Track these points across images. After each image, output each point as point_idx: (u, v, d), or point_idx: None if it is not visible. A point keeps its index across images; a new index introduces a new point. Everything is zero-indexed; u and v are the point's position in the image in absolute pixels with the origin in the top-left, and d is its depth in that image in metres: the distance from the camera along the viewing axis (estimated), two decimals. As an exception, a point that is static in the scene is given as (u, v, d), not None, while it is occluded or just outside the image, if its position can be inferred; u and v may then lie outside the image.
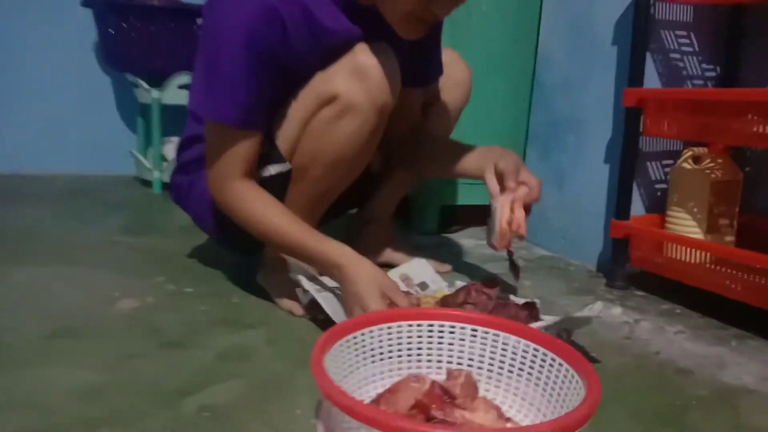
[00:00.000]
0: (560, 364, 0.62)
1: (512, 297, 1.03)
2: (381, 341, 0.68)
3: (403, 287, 1.00)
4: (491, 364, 0.69)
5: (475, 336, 0.69)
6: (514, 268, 1.10)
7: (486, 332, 0.69)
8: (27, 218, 1.57)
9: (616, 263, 1.26)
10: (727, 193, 1.19)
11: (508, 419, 0.63)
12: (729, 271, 1.06)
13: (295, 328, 0.95)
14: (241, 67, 0.86)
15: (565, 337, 0.88)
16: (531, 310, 0.89)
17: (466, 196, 1.63)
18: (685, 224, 1.19)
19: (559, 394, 0.61)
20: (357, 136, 0.94)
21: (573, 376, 0.59)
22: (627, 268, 1.25)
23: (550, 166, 1.51)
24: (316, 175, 0.98)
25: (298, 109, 0.95)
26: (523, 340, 0.66)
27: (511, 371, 0.68)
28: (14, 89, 2.16)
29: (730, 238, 1.20)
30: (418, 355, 0.70)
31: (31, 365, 0.78)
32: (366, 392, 0.67)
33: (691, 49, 1.34)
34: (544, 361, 0.64)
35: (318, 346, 0.58)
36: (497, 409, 0.63)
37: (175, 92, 2.01)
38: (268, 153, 0.96)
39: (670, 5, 1.30)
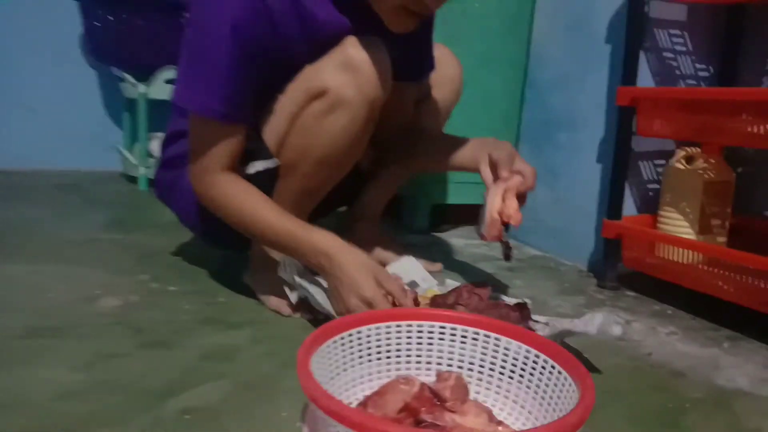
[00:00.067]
0: (553, 367, 0.60)
1: (503, 297, 1.01)
2: (369, 342, 0.66)
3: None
4: (482, 366, 0.67)
5: (465, 337, 0.68)
6: (507, 254, 1.07)
7: (477, 333, 0.67)
8: (9, 214, 1.54)
9: (607, 263, 1.25)
10: (719, 193, 1.18)
11: (500, 423, 0.62)
12: (721, 272, 1.05)
13: (281, 328, 0.93)
14: (227, 59, 0.83)
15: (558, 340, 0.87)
16: (522, 311, 0.88)
17: (456, 195, 1.62)
18: (678, 224, 1.19)
19: (551, 398, 0.60)
20: (347, 132, 0.92)
21: (566, 379, 0.57)
22: (619, 268, 1.24)
23: (542, 165, 1.50)
24: (305, 171, 0.96)
25: (286, 103, 0.93)
26: (515, 342, 0.65)
27: (502, 373, 0.66)
28: (-3, 83, 2.12)
29: (722, 239, 1.20)
30: (408, 356, 0.69)
31: (7, 365, 0.76)
32: (354, 394, 0.65)
33: (684, 49, 1.33)
34: (536, 363, 0.62)
35: (304, 347, 0.56)
36: (488, 412, 0.62)
37: (162, 87, 1.98)
38: (254, 149, 0.94)
39: (665, 4, 1.29)
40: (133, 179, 2.08)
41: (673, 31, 1.31)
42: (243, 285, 1.05)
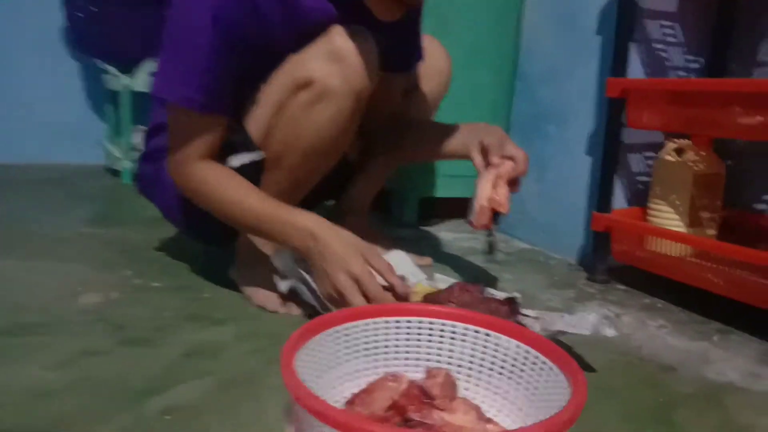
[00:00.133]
0: (544, 362, 0.59)
1: (492, 291, 1.00)
2: (357, 338, 0.65)
3: (381, 281, 0.97)
4: (471, 362, 0.66)
5: (455, 333, 0.66)
6: (491, 247, 1.06)
7: (466, 329, 0.66)
8: (-12, 208, 1.50)
9: (597, 257, 1.24)
10: (709, 186, 1.17)
11: (489, 420, 0.60)
12: (711, 265, 1.05)
13: (267, 324, 0.91)
14: (207, 48, 0.81)
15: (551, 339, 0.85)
16: (511, 305, 0.87)
17: (445, 189, 1.61)
18: (668, 217, 1.18)
19: (542, 394, 0.58)
20: (333, 122, 0.90)
21: (558, 375, 0.56)
22: (608, 261, 1.23)
23: (532, 157, 1.45)
24: (291, 162, 0.94)
25: (270, 93, 0.90)
26: (504, 337, 0.63)
27: (491, 369, 0.65)
28: (-23, 75, 2.08)
29: (712, 232, 1.19)
30: (396, 352, 0.67)
31: (-18, 364, 0.74)
32: (341, 392, 0.63)
33: (675, 40, 1.32)
34: (526, 359, 0.61)
35: (289, 344, 0.54)
36: (477, 409, 0.60)
37: (146, 79, 1.94)
38: (238, 141, 0.91)
39: (655, -5, 1.28)
40: (116, 173, 2.04)
41: (663, 22, 1.30)
42: (228, 280, 1.03)
